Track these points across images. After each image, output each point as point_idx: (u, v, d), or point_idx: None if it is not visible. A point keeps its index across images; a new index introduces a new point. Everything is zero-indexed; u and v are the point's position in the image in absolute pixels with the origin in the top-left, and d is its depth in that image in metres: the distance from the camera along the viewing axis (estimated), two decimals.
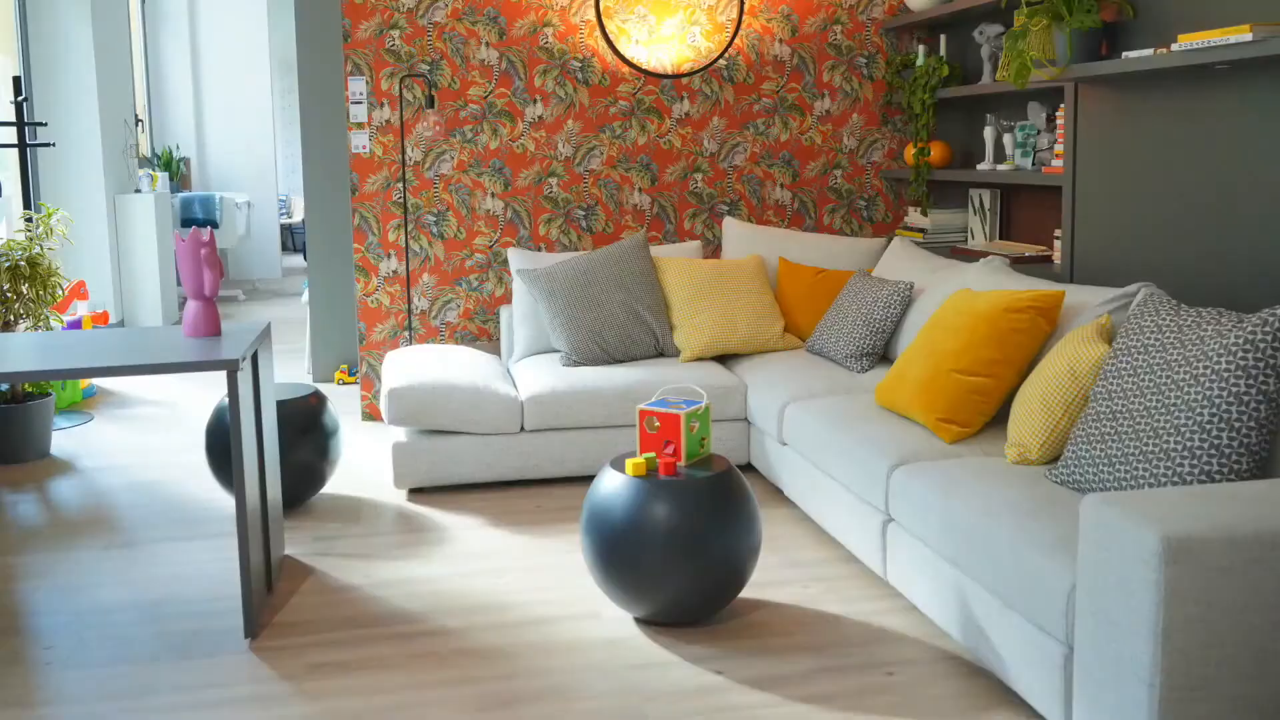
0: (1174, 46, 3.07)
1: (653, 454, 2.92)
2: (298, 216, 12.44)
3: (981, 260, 3.85)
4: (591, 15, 4.97)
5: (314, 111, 5.83)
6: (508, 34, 4.93)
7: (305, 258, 6.02)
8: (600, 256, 4.42)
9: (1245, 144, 3.14)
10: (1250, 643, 1.99)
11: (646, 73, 5.03)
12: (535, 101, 4.99)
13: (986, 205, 4.71)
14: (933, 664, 2.68)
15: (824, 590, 3.11)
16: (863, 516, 3.15)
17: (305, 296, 6.04)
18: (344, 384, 5.90)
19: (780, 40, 5.15)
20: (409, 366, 4.09)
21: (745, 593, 3.11)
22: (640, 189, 5.12)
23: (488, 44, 4.92)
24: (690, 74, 5.06)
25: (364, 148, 4.89)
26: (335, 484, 4.17)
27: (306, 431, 3.73)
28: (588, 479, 4.20)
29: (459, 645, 2.81)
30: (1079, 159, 3.86)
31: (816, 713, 2.46)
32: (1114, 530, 2.05)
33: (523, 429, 4.01)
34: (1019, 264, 4.22)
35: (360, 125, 4.88)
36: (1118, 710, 2.07)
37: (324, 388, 5.86)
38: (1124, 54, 3.32)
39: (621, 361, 4.31)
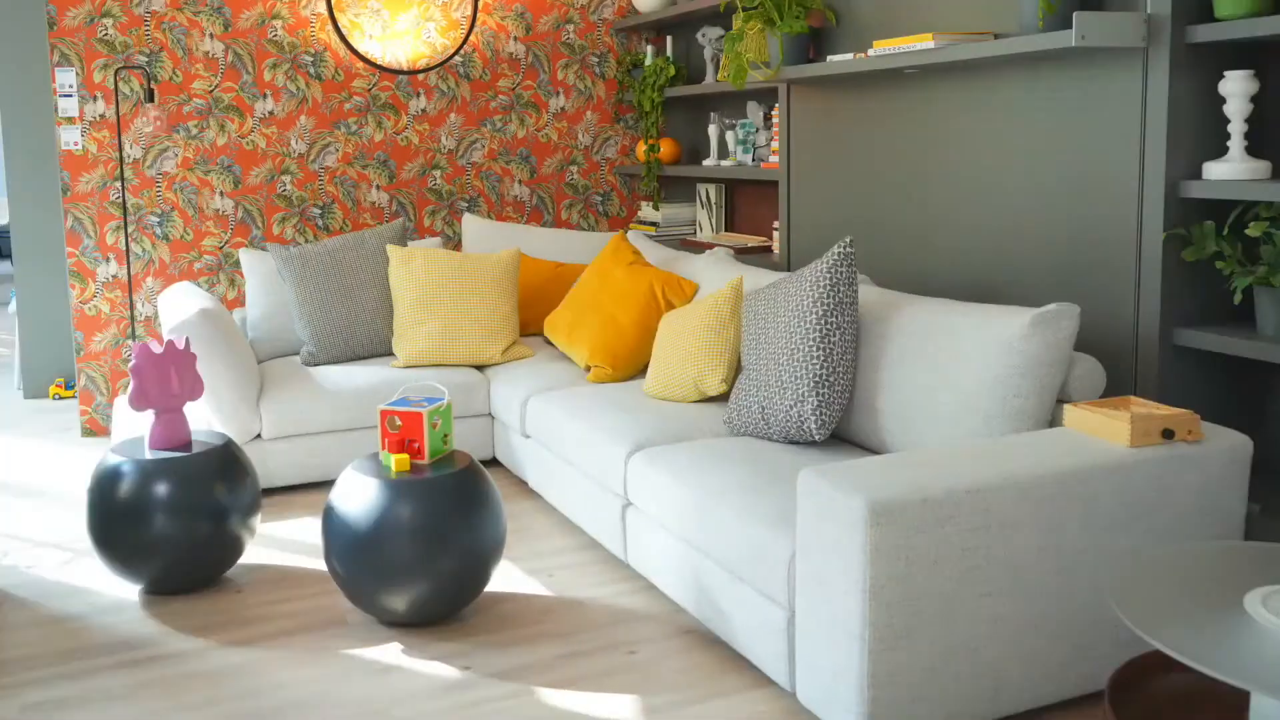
0: (870, 52, 3.33)
1: (389, 454, 2.89)
2: (2, 219, 11.42)
3: (708, 252, 4.03)
4: (322, 8, 4.85)
5: (17, 105, 5.39)
6: (233, 25, 4.73)
7: (12, 264, 5.57)
8: (356, 242, 4.29)
9: (932, 138, 3.45)
10: (942, 592, 2.20)
11: (381, 68, 4.96)
12: (265, 96, 4.82)
13: (713, 199, 4.94)
14: (672, 639, 2.80)
15: (569, 578, 3.19)
16: (603, 503, 3.25)
17: (12, 306, 5.58)
18: (60, 399, 5.50)
19: (515, 38, 5.20)
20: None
21: (492, 585, 3.14)
22: (378, 186, 5.05)
23: (212, 35, 4.71)
24: (426, 70, 5.03)
25: (75, 144, 4.58)
26: (50, 506, 3.89)
27: (216, 490, 3.04)
28: (330, 484, 4.11)
29: (194, 668, 2.70)
30: (793, 155, 4.11)
31: (562, 697, 2.53)
32: (827, 499, 2.22)
33: (260, 436, 3.87)
34: (743, 254, 4.46)
35: (70, 120, 4.56)
36: (833, 665, 2.24)
37: (37, 404, 5.44)
38: (828, 58, 3.56)
39: (365, 358, 4.24)
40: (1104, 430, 2.40)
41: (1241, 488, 2.45)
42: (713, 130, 4.77)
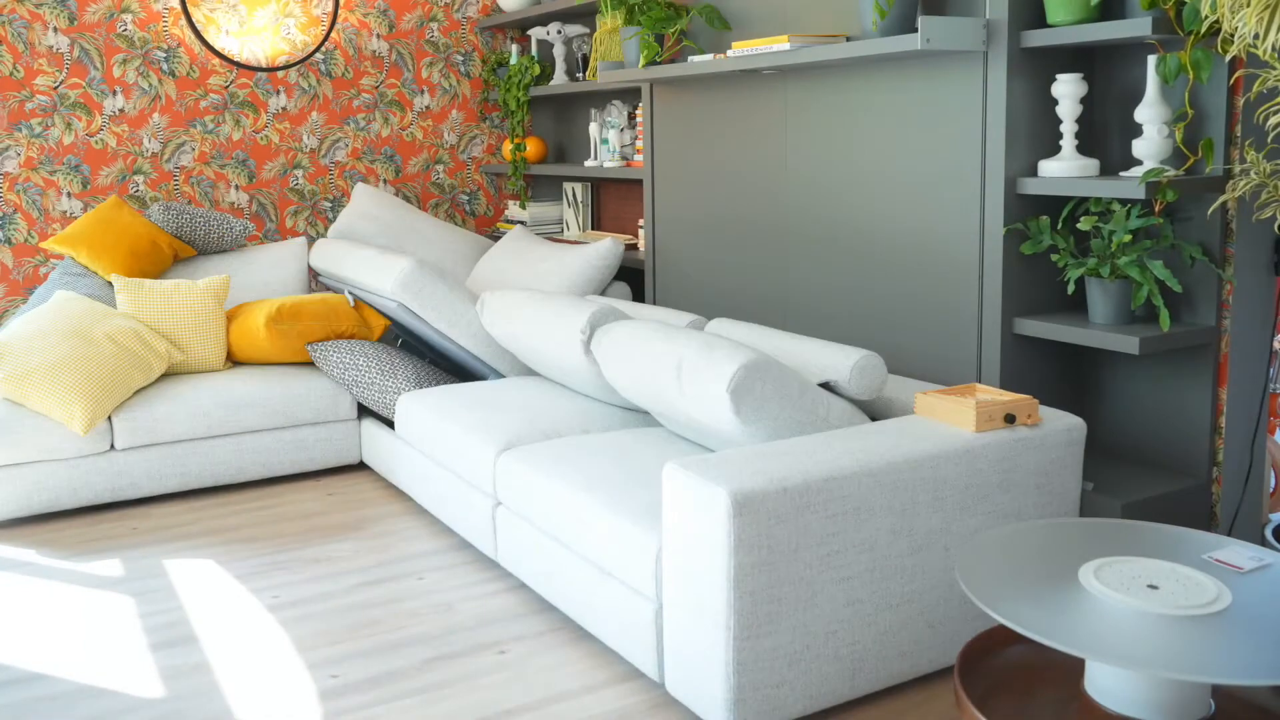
0: (729, 53, 3.40)
1: None
2: None
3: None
4: (175, 2, 4.70)
5: None
6: (79, 19, 4.54)
7: None
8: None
9: (788, 138, 3.54)
10: (803, 578, 2.27)
11: (239, 65, 4.83)
12: (115, 93, 4.64)
13: (579, 198, 4.96)
14: (543, 636, 2.81)
15: (438, 579, 3.17)
16: (474, 503, 3.24)
17: None
18: None
19: (378, 35, 5.12)
20: None
21: (360, 592, 3.10)
22: (237, 186, 4.91)
23: (56, 29, 4.51)
24: (286, 67, 4.92)
25: None
26: None
27: None
28: (191, 494, 3.99)
29: None
30: (656, 154, 4.16)
31: (431, 702, 2.51)
32: (691, 492, 2.26)
33: (113, 447, 3.74)
34: None
35: None
36: (700, 654, 2.29)
37: None
38: (690, 59, 3.62)
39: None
40: (951, 417, 2.51)
41: (1076, 467, 2.59)
42: (594, 129, 4.73)
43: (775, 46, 3.21)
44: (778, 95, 3.57)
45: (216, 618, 2.94)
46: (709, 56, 3.52)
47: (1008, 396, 2.53)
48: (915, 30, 2.91)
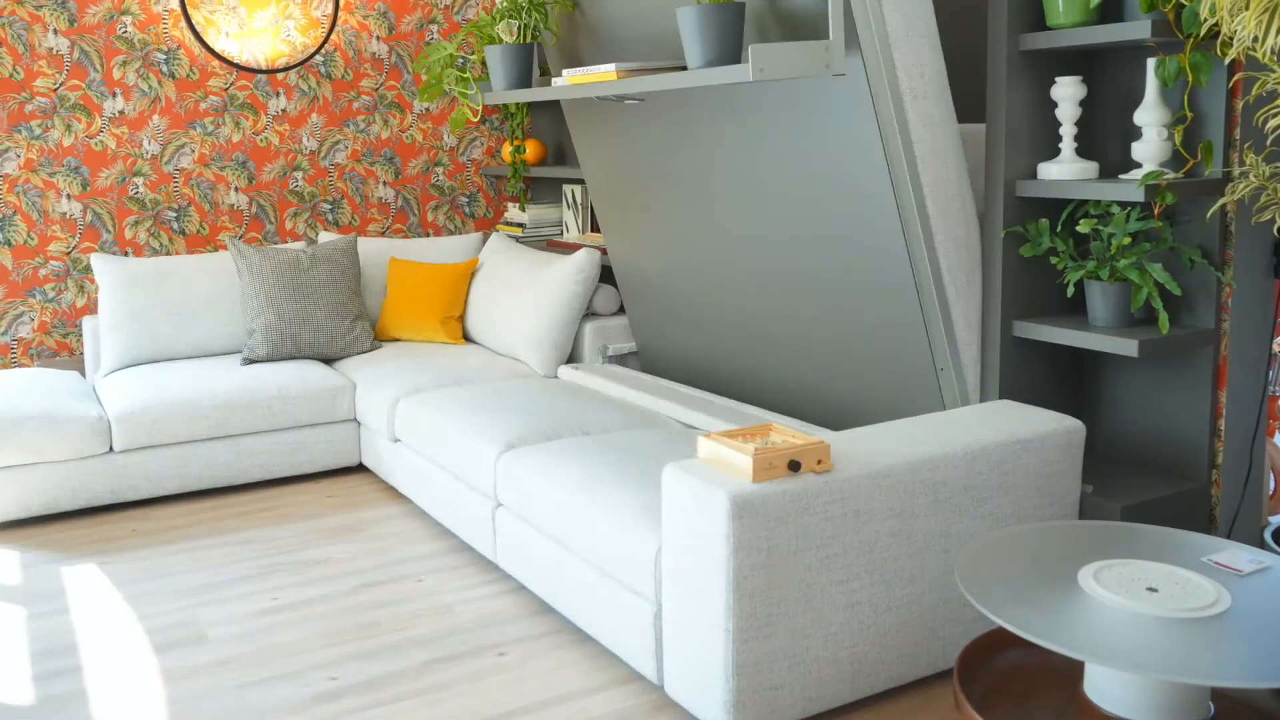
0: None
1: None
2: None
3: (578, 252, 4.05)
4: (175, 4, 4.70)
5: None
6: (79, 21, 4.54)
7: None
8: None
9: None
10: (803, 580, 2.27)
11: (239, 67, 4.83)
12: (115, 95, 4.64)
13: (578, 200, 4.97)
14: (542, 639, 2.81)
15: (437, 581, 3.17)
16: (474, 505, 3.24)
17: None
18: None
19: (378, 37, 5.13)
20: None
21: (357, 594, 3.10)
22: (237, 188, 4.91)
23: (56, 31, 4.51)
24: (285, 69, 4.92)
25: None
26: None
27: None
28: (190, 495, 3.99)
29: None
30: (586, 170, 4.03)
31: (430, 704, 2.51)
32: (691, 494, 2.26)
33: (112, 449, 3.73)
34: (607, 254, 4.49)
35: None
36: (700, 656, 2.29)
37: None
38: (554, 81, 3.54)
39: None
40: (730, 464, 2.27)
41: (1076, 470, 2.59)
42: None
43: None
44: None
45: (217, 618, 2.94)
46: (562, 79, 3.24)
47: (800, 440, 2.30)
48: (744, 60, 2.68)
